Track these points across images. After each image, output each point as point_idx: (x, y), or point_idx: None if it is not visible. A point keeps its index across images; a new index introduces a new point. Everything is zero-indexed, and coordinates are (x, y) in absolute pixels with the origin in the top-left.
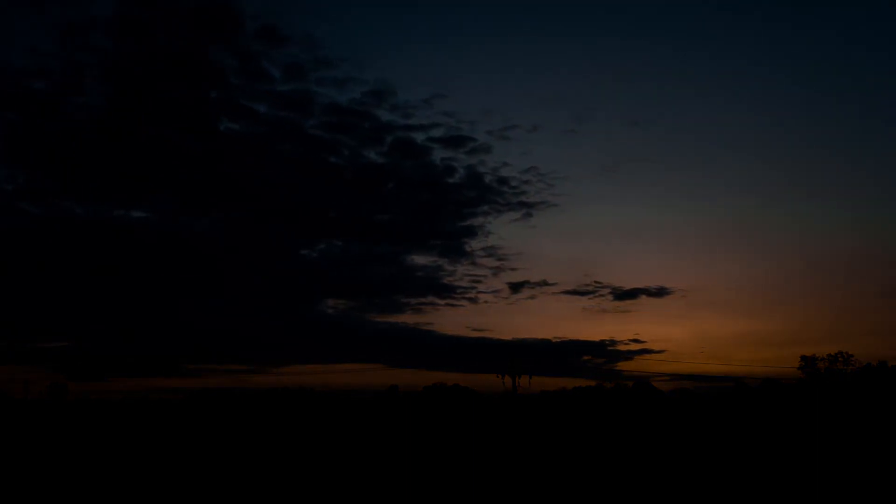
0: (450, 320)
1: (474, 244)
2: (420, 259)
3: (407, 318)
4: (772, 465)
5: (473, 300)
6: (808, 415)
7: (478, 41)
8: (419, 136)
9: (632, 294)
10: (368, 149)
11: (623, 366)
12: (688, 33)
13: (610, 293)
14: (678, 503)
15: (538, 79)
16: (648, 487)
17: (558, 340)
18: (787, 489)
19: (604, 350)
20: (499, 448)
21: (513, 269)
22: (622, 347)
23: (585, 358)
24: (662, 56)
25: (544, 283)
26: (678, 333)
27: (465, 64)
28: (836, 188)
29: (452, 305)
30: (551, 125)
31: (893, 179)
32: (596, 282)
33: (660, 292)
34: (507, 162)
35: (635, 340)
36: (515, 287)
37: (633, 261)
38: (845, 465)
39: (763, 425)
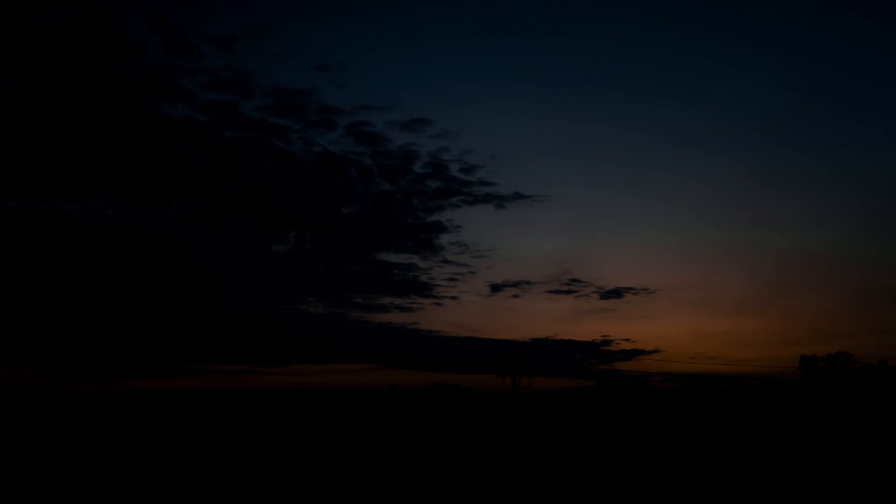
0: (438, 320)
1: (446, 240)
2: (394, 257)
3: (394, 318)
4: (772, 464)
5: (456, 299)
6: (808, 415)
7: (436, 8)
8: (375, 120)
9: (617, 293)
10: (320, 134)
11: (621, 365)
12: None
13: (595, 292)
14: (680, 503)
15: (504, 58)
16: (651, 487)
17: (551, 340)
18: (787, 489)
19: (597, 350)
20: (503, 448)
21: (489, 268)
22: (615, 347)
23: (580, 357)
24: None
25: (525, 283)
26: (671, 333)
27: (420, 38)
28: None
29: (437, 304)
30: (522, 112)
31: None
32: (573, 280)
33: (646, 291)
34: (474, 149)
35: (627, 340)
36: (497, 286)
37: (613, 259)
38: (845, 465)
39: (763, 425)
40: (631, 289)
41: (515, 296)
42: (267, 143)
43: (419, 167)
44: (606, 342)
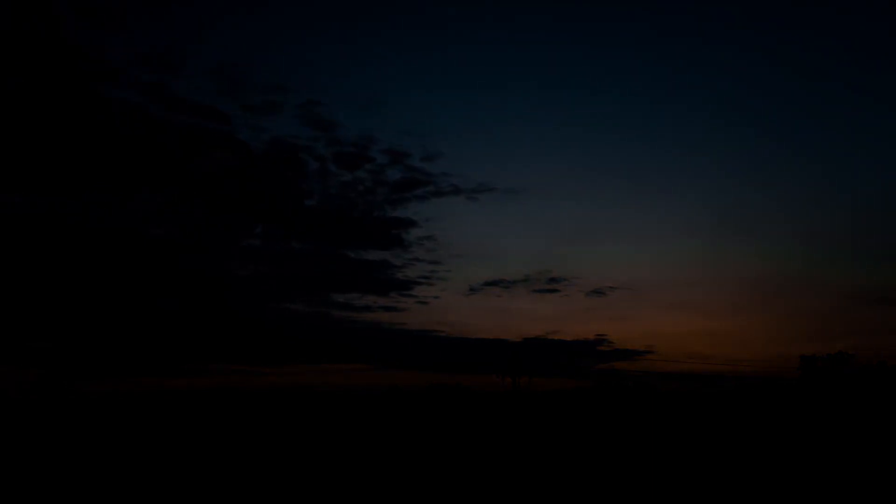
0: (426, 319)
1: (416, 235)
2: (365, 254)
3: (381, 318)
4: (773, 465)
5: (439, 298)
6: (808, 415)
7: None
8: (326, 100)
9: (601, 292)
10: (267, 118)
11: (619, 365)
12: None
13: (580, 291)
14: (681, 503)
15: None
16: (652, 488)
17: (543, 340)
18: (787, 489)
19: (593, 350)
20: (506, 449)
21: (466, 265)
22: (609, 347)
23: (576, 357)
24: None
25: (505, 281)
26: (661, 332)
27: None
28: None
29: (422, 304)
30: (486, 98)
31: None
32: (553, 278)
33: (631, 290)
34: (442, 137)
35: (620, 339)
36: (477, 286)
37: (593, 256)
38: (845, 465)
39: (763, 425)
40: (615, 288)
41: (497, 295)
42: (211, 128)
43: (378, 155)
44: (601, 341)
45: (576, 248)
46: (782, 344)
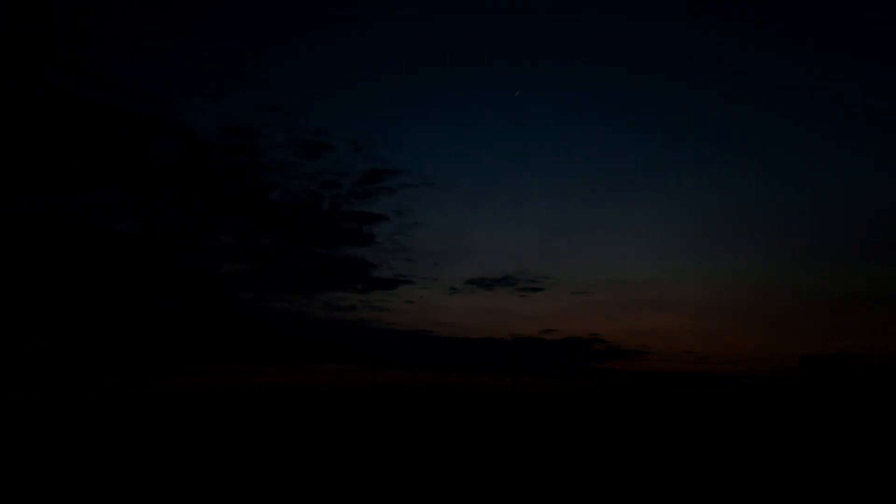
0: (414, 319)
1: (388, 231)
2: (344, 252)
3: (369, 317)
4: (773, 464)
5: (423, 297)
6: (808, 415)
7: None
8: (275, 82)
9: (586, 291)
10: (214, 101)
11: (617, 365)
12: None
13: (564, 289)
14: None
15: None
16: (651, 489)
17: (536, 340)
18: (787, 490)
19: (589, 349)
20: (505, 450)
21: (448, 264)
22: (604, 346)
23: (575, 357)
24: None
25: (489, 280)
26: (657, 331)
27: None
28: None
29: (409, 303)
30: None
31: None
32: (536, 277)
33: (620, 288)
34: (408, 124)
35: (616, 339)
36: (459, 285)
37: (577, 255)
38: (846, 465)
39: (764, 425)
40: (601, 286)
41: (480, 294)
42: (157, 113)
43: (339, 143)
44: (595, 341)
45: (559, 245)
46: (781, 344)
